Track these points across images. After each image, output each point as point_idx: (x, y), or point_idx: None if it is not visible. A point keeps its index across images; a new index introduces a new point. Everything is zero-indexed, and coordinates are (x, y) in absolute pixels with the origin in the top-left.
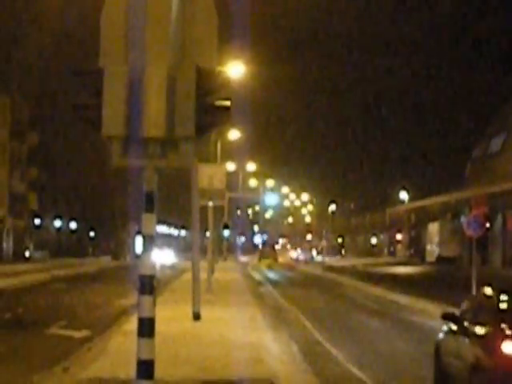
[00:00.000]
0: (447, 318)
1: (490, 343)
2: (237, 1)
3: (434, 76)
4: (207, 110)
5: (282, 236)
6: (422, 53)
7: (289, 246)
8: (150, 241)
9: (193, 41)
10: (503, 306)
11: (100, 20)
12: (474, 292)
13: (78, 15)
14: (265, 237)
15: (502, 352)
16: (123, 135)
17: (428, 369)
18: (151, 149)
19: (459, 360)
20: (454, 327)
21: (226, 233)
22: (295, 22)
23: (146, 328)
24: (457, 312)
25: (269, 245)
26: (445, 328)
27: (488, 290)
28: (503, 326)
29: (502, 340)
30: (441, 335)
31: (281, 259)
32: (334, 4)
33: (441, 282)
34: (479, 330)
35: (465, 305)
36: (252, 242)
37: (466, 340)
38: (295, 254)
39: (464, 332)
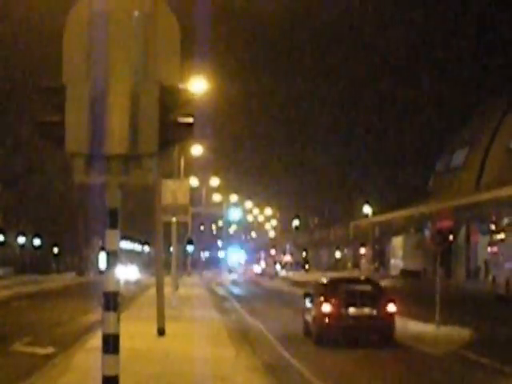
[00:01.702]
0: (305, 295)
1: (318, 306)
2: (200, 16)
3: (397, 90)
4: (170, 127)
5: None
6: (386, 67)
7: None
8: (113, 257)
9: (155, 58)
10: (326, 287)
11: (63, 37)
12: (438, 305)
13: (41, 31)
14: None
15: (321, 310)
16: (86, 152)
17: None
18: (114, 165)
19: (309, 316)
20: (309, 299)
21: (190, 248)
22: (259, 38)
23: (111, 344)
24: (311, 291)
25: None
26: (306, 301)
27: (322, 279)
28: (323, 297)
29: (322, 303)
30: (305, 305)
31: (245, 274)
32: (298, 18)
33: (401, 294)
34: (316, 300)
35: (313, 287)
36: (216, 257)
37: (311, 305)
38: (259, 268)
39: (311, 301)
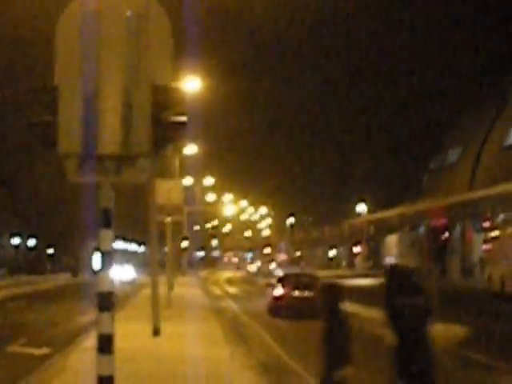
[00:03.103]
0: (267, 285)
1: (274, 290)
2: (191, 14)
3: (392, 89)
4: (163, 126)
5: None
6: (380, 67)
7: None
8: (107, 257)
9: (148, 57)
10: (281, 278)
11: (55, 37)
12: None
13: (34, 31)
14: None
15: (274, 293)
16: (79, 152)
17: None
18: (107, 165)
19: (270, 298)
20: (270, 288)
21: (185, 244)
22: (252, 37)
23: (106, 344)
24: (272, 281)
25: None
26: (269, 289)
27: (279, 274)
28: (278, 284)
29: (274, 288)
30: (267, 292)
31: (240, 273)
32: (292, 16)
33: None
34: (274, 287)
35: (274, 279)
36: (211, 256)
37: (272, 290)
38: (254, 267)
39: (271, 287)
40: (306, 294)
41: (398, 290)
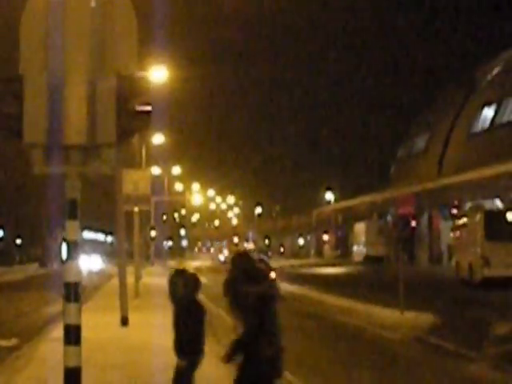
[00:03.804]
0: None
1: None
2: (158, 3)
3: (359, 75)
4: (128, 116)
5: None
6: (347, 51)
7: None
8: (74, 247)
9: (113, 46)
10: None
11: (19, 26)
12: (401, 290)
13: None
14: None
15: (219, 258)
16: (44, 143)
17: None
18: (73, 156)
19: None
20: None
21: (153, 233)
22: (217, 27)
23: (73, 335)
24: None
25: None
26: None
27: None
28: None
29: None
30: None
31: (210, 262)
32: (258, 6)
33: (366, 281)
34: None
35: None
36: (179, 245)
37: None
38: (222, 257)
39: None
40: None
41: (241, 277)
